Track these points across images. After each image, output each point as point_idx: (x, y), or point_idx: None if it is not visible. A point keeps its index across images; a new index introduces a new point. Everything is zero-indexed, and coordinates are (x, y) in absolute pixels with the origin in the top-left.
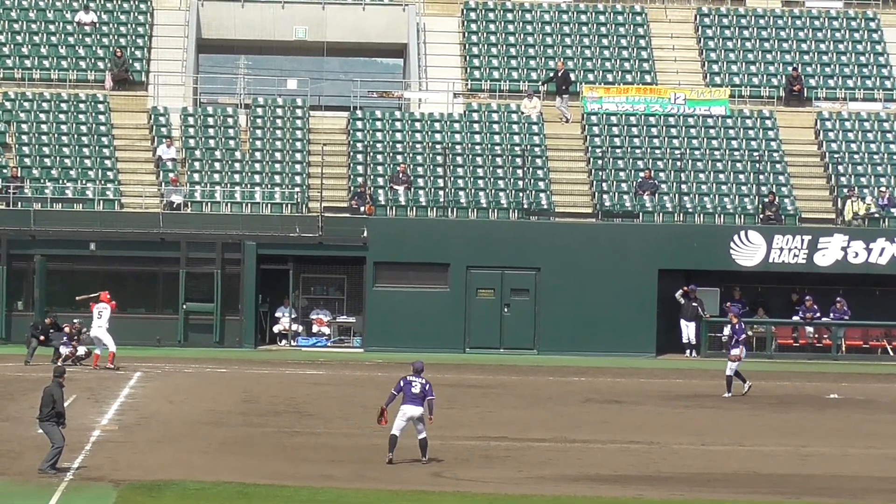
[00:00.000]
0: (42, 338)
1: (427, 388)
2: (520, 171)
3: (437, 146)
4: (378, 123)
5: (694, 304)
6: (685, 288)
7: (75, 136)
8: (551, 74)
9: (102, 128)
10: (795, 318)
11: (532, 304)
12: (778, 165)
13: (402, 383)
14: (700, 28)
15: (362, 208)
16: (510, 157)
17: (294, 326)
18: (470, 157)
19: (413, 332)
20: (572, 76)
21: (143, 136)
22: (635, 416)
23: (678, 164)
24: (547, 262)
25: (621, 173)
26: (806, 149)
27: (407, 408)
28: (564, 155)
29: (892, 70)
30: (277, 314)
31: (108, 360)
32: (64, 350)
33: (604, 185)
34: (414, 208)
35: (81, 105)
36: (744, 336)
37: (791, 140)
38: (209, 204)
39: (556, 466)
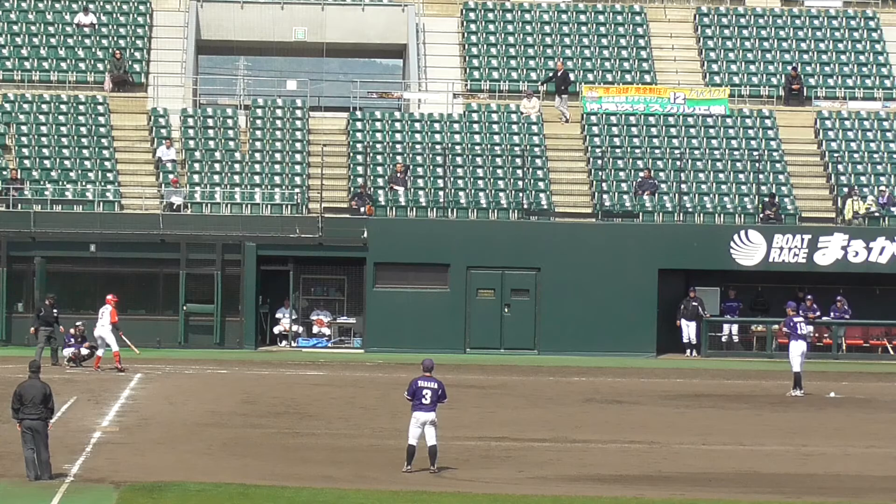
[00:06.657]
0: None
1: (440, 392)
2: (519, 172)
3: (437, 146)
4: (378, 124)
5: (694, 303)
6: (689, 293)
7: (75, 137)
8: (550, 74)
9: (102, 129)
10: None
11: (532, 304)
12: (778, 165)
13: (413, 388)
14: (699, 28)
15: (362, 209)
16: (510, 158)
17: (294, 327)
18: (470, 157)
19: (413, 332)
20: (572, 76)
21: (142, 138)
22: (636, 416)
23: (678, 163)
24: (547, 263)
25: (621, 173)
26: (806, 148)
27: (419, 414)
28: (564, 155)
29: (891, 69)
30: (278, 315)
31: (115, 360)
32: (68, 351)
33: (604, 185)
34: (414, 209)
35: (81, 106)
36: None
37: (791, 139)
38: (209, 205)
39: (557, 466)
